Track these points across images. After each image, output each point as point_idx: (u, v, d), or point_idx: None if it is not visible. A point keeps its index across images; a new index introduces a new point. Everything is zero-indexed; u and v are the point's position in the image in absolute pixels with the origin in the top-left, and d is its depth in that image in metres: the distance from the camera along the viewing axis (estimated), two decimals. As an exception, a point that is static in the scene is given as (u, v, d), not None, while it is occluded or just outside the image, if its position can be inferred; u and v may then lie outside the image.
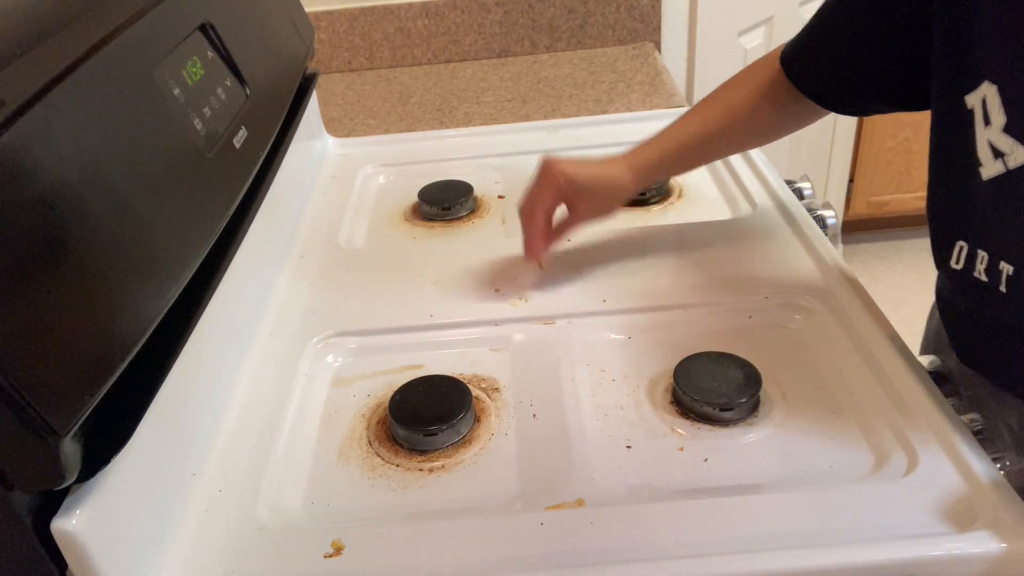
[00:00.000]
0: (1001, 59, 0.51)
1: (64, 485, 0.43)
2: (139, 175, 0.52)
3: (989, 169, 0.52)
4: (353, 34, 1.43)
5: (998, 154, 0.51)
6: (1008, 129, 0.50)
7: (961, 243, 0.56)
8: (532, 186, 0.73)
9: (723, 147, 0.80)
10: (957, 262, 0.56)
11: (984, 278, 0.54)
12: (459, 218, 0.91)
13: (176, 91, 0.60)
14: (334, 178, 1.01)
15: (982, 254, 0.54)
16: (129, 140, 0.52)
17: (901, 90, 0.65)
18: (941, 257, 0.59)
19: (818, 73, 0.70)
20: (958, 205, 0.56)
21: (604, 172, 0.74)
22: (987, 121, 0.52)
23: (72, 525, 0.44)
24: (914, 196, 2.26)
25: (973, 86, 0.52)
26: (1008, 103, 0.50)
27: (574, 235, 0.78)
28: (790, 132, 0.78)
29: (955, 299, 0.60)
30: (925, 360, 0.65)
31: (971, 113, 0.53)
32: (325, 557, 0.52)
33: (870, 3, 0.63)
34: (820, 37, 0.70)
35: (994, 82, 0.51)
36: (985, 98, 0.51)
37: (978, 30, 0.52)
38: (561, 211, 0.75)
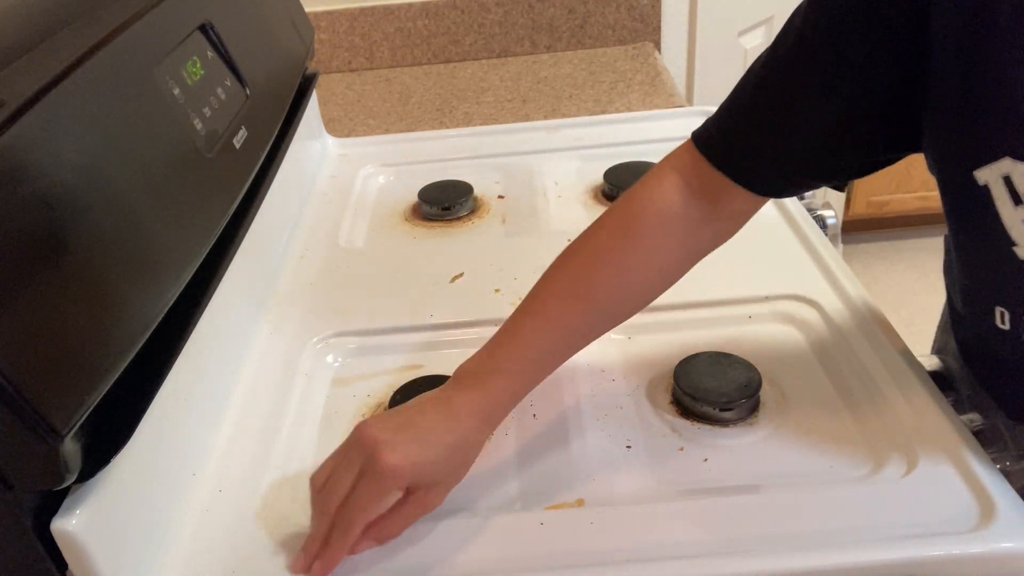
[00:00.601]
0: None
1: (64, 485, 0.43)
2: (139, 175, 0.52)
3: None
4: (353, 34, 1.43)
5: None
6: None
7: (1002, 309, 0.53)
8: (344, 471, 0.51)
9: (608, 326, 0.60)
10: (1003, 323, 0.53)
11: None
12: (459, 218, 0.91)
13: (176, 91, 0.60)
14: (334, 178, 1.01)
15: None
16: (129, 140, 0.52)
17: (828, 168, 0.56)
18: (979, 315, 0.55)
19: (756, 161, 0.56)
20: (994, 274, 0.53)
21: (448, 442, 0.52)
22: (1017, 200, 0.47)
23: (72, 525, 0.44)
24: (914, 196, 2.26)
25: (987, 160, 0.47)
26: None
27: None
28: (714, 248, 0.61)
29: (997, 354, 0.56)
30: (925, 360, 0.65)
31: (985, 189, 0.48)
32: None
33: (817, 81, 0.52)
34: (752, 124, 0.56)
35: (1021, 160, 0.46)
36: (1012, 176, 0.46)
37: (996, 103, 0.46)
38: None
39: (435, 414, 0.53)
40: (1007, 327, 0.53)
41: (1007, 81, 0.45)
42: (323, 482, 0.52)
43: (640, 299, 0.60)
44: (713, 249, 0.61)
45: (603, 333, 0.59)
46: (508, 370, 0.55)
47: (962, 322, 0.61)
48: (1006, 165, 0.46)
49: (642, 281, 0.59)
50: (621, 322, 0.60)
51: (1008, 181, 0.47)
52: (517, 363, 0.56)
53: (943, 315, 0.72)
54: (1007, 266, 0.50)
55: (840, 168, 0.57)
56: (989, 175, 0.47)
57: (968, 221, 0.52)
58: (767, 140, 0.56)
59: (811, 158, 0.56)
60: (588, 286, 0.58)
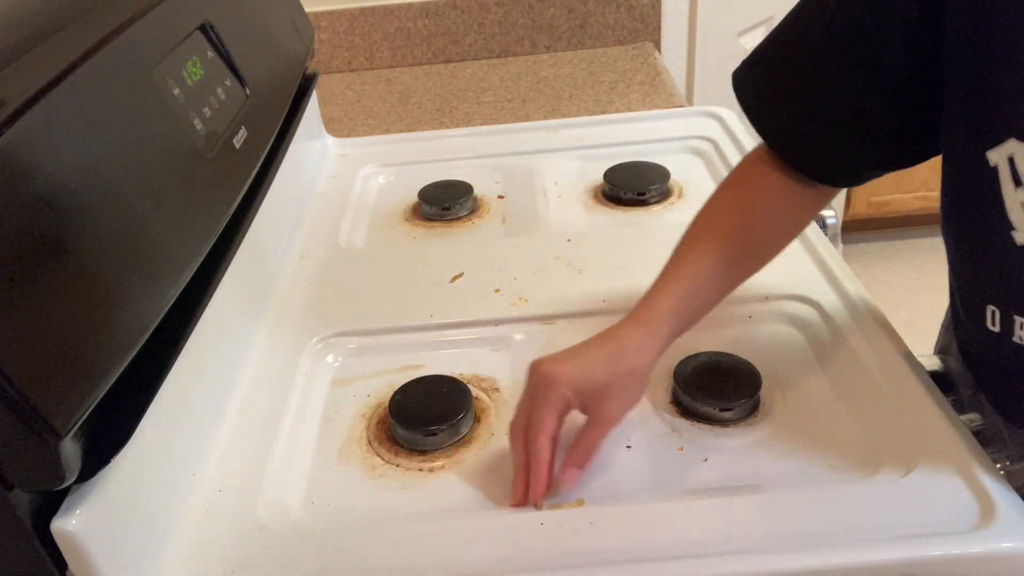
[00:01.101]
0: None
1: (64, 485, 0.43)
2: (139, 175, 0.52)
3: None
4: (353, 34, 1.43)
5: None
6: None
7: (993, 308, 0.52)
8: (527, 403, 0.57)
9: (747, 269, 0.63)
10: (993, 324, 0.53)
11: None
12: (459, 218, 0.91)
13: (176, 91, 0.60)
14: (334, 178, 1.01)
15: (1020, 320, 0.51)
16: (129, 140, 0.52)
17: (900, 152, 0.58)
18: (972, 318, 0.55)
19: (819, 153, 0.59)
20: (987, 267, 0.53)
21: (609, 353, 0.57)
22: (1018, 182, 0.47)
23: (72, 525, 0.44)
24: (914, 196, 2.25)
25: (996, 142, 0.48)
26: None
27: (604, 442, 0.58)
28: (806, 224, 0.68)
29: (991, 357, 0.56)
30: (925, 360, 0.65)
31: (995, 171, 0.48)
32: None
33: (855, 66, 0.54)
34: (808, 114, 0.58)
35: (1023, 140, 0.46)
36: (1014, 157, 0.47)
37: (1003, 84, 0.47)
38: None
39: (592, 341, 0.58)
40: (997, 328, 0.53)
41: (1012, 62, 0.46)
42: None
43: (779, 246, 0.64)
44: (818, 207, 0.65)
45: (751, 273, 0.64)
46: (664, 289, 0.59)
47: (960, 324, 0.61)
48: (1011, 146, 0.47)
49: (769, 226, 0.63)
50: (764, 265, 0.65)
51: (1011, 162, 0.47)
52: (674, 282, 0.60)
53: (947, 314, 0.72)
54: (1002, 254, 0.50)
55: (874, 156, 0.59)
56: (998, 157, 0.48)
57: (971, 204, 0.52)
58: (808, 126, 0.58)
59: (851, 143, 0.58)
60: (726, 225, 0.62)
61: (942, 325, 0.74)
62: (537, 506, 0.55)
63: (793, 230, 0.65)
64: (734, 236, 0.61)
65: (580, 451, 0.56)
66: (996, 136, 0.47)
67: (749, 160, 0.64)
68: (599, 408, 0.56)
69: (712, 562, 0.50)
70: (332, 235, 0.89)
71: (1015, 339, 0.52)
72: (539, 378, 0.56)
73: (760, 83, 0.61)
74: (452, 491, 0.58)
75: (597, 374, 0.56)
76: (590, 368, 0.56)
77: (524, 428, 0.56)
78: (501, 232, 0.89)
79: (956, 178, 0.53)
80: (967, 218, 0.53)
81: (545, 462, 0.55)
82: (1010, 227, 0.48)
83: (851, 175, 0.61)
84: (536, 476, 0.55)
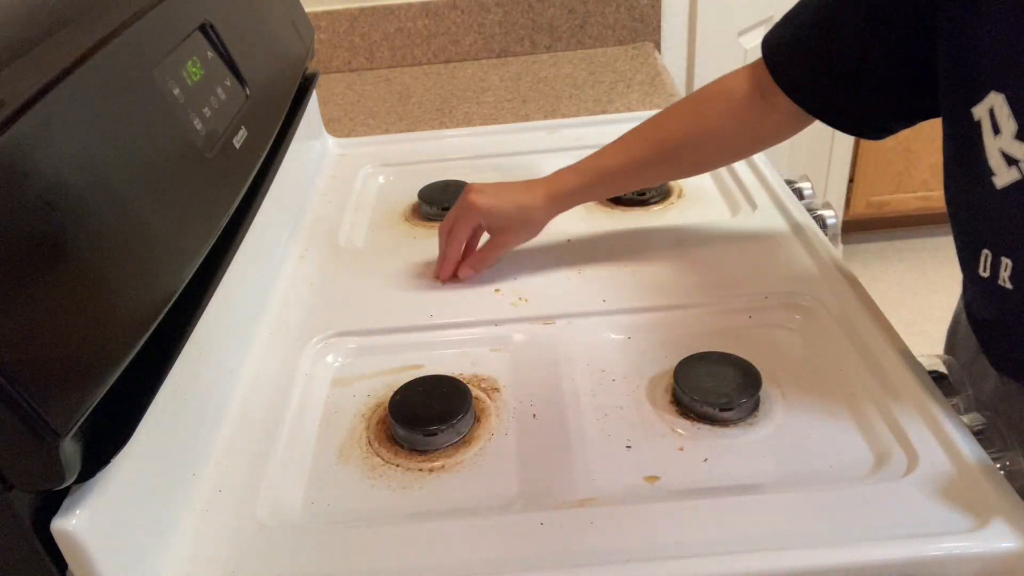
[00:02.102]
0: (1008, 67, 0.51)
1: (64, 485, 0.43)
2: (139, 175, 0.52)
3: (1003, 177, 0.52)
4: (353, 34, 1.43)
5: (1011, 161, 0.51)
6: (1021, 136, 0.50)
7: (986, 251, 0.56)
8: (454, 213, 0.77)
9: (666, 171, 0.79)
10: (984, 270, 0.56)
11: (1009, 285, 0.54)
12: (459, 218, 0.91)
13: (176, 91, 0.60)
14: (334, 178, 1.01)
15: (1006, 261, 0.54)
16: (129, 140, 0.52)
17: (912, 103, 0.63)
18: (968, 266, 0.59)
19: (819, 88, 0.67)
20: (977, 214, 0.56)
21: (520, 202, 0.76)
22: (996, 130, 0.51)
23: (72, 525, 0.44)
24: (914, 196, 2.25)
25: (979, 97, 0.52)
26: (1018, 111, 0.50)
27: (499, 259, 0.79)
28: (770, 145, 0.75)
29: (984, 308, 0.60)
30: (925, 360, 0.65)
31: (978, 125, 0.53)
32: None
33: (866, 13, 0.61)
34: (815, 48, 0.66)
35: (1001, 91, 0.50)
36: (993, 108, 0.51)
37: (982, 41, 0.52)
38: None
39: (517, 186, 0.77)
40: (987, 274, 0.56)
41: (990, 16, 0.51)
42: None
43: (705, 158, 0.77)
44: (777, 142, 0.74)
45: (667, 178, 0.84)
46: (577, 169, 0.76)
47: (966, 285, 0.64)
48: (991, 99, 0.51)
49: (708, 141, 0.74)
50: (684, 175, 0.85)
51: (991, 113, 0.52)
52: (587, 168, 0.76)
53: (954, 316, 0.73)
54: (987, 195, 0.54)
55: (876, 106, 0.65)
56: (981, 111, 0.53)
57: (961, 155, 0.56)
58: (820, 61, 0.66)
59: (857, 85, 0.64)
60: (661, 131, 0.75)
61: (949, 327, 0.75)
62: (440, 279, 0.79)
63: (736, 154, 0.78)
64: (665, 144, 0.74)
65: (478, 257, 0.78)
66: (979, 92, 0.52)
67: (718, 81, 0.73)
68: (500, 235, 0.77)
69: (712, 562, 0.50)
70: (332, 235, 0.89)
71: (1000, 282, 0.55)
72: (466, 202, 0.76)
73: (787, 41, 0.68)
74: (452, 491, 0.58)
75: (505, 216, 0.76)
76: (502, 211, 0.76)
77: (448, 230, 0.77)
78: (501, 232, 0.89)
79: (948, 131, 0.58)
80: (958, 167, 0.58)
81: (454, 255, 0.77)
82: (991, 173, 0.53)
83: (869, 124, 0.67)
84: (444, 259, 0.78)
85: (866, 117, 0.67)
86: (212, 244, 0.59)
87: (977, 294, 0.60)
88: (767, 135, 0.73)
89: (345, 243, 0.88)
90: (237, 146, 0.67)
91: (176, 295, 0.52)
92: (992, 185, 0.53)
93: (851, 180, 2.23)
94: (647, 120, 0.76)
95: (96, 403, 0.43)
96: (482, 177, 0.98)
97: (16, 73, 0.46)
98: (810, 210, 0.85)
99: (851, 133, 0.70)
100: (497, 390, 0.66)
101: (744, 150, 0.78)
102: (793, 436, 0.59)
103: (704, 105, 0.74)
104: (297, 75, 0.90)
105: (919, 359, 0.64)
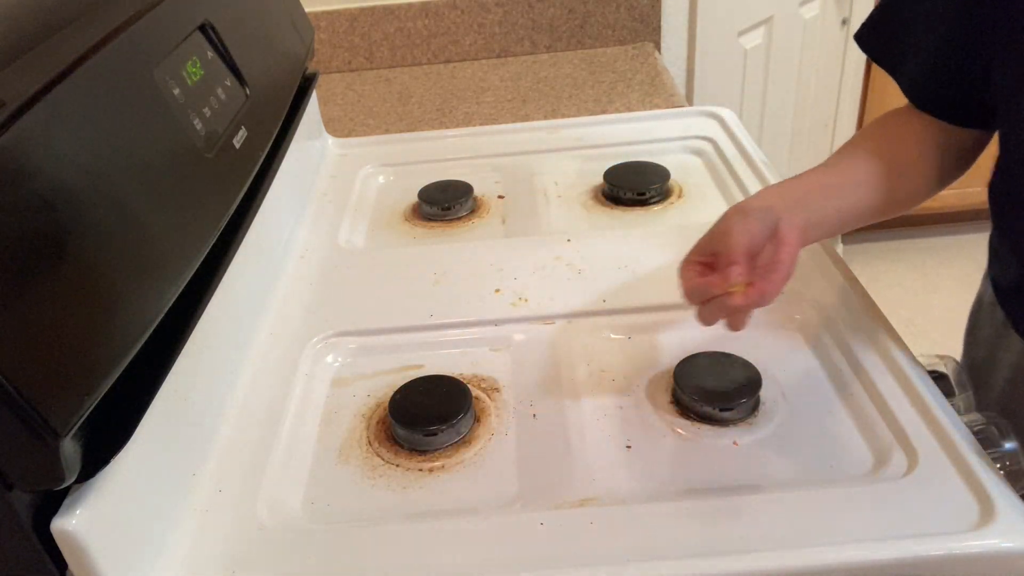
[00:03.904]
0: None
1: (64, 485, 0.43)
2: (139, 175, 0.52)
3: None
4: (353, 34, 1.43)
5: None
6: None
7: None
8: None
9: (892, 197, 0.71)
10: None
11: None
12: (459, 218, 0.91)
13: (176, 91, 0.60)
14: (334, 178, 1.01)
15: None
16: (129, 140, 0.52)
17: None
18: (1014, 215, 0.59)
19: (936, 89, 0.65)
20: None
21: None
22: None
23: (72, 525, 0.44)
24: (914, 196, 2.25)
25: None
26: None
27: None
28: (946, 179, 0.70)
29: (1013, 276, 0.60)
30: (925, 360, 0.65)
31: None
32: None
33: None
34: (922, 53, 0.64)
35: None
36: None
37: None
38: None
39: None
40: None
41: None
42: None
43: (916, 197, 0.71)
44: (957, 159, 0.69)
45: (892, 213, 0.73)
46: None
47: (993, 262, 0.64)
48: None
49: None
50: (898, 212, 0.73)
51: None
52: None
53: (969, 318, 0.73)
54: None
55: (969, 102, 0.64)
56: None
57: None
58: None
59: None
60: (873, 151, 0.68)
61: (965, 331, 0.75)
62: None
63: (928, 183, 0.69)
64: (881, 163, 0.67)
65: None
66: None
67: (879, 118, 0.70)
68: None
69: (712, 562, 0.50)
70: (332, 235, 0.89)
71: None
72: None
73: (884, 32, 0.68)
74: (452, 491, 0.58)
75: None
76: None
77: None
78: (501, 232, 0.89)
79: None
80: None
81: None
82: None
83: (970, 111, 0.65)
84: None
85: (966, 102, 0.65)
86: (212, 244, 0.59)
87: (1012, 262, 0.60)
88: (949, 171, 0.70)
89: (345, 243, 0.88)
90: (237, 146, 0.67)
91: (176, 295, 0.52)
92: None
93: (851, 180, 2.23)
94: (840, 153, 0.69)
95: (96, 403, 0.43)
96: (482, 177, 0.98)
97: (16, 73, 0.46)
98: (810, 210, 0.85)
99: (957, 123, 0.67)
100: (497, 390, 0.66)
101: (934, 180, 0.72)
102: (793, 436, 0.59)
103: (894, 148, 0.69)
104: (297, 75, 0.90)
105: (919, 359, 0.64)
